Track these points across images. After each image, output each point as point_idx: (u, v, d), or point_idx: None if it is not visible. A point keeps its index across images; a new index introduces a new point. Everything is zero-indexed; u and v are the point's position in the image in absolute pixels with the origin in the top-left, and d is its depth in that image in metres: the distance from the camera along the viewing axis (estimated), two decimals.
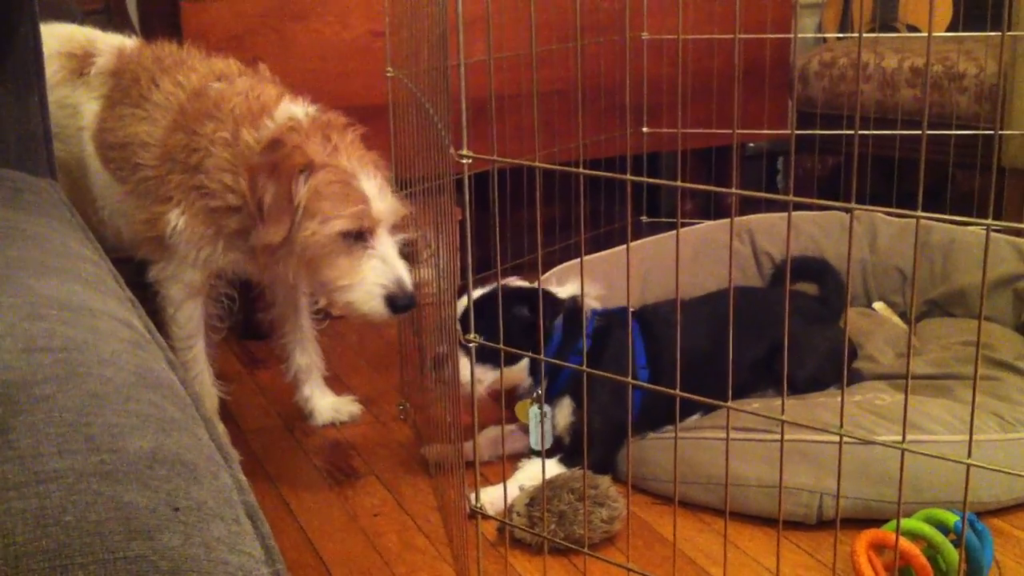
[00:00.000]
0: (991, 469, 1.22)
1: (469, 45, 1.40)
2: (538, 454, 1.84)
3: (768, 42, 2.99)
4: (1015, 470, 1.45)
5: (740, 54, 3.02)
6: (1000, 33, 2.73)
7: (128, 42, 2.11)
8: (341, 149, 1.80)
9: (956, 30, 3.37)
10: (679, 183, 1.23)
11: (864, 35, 3.47)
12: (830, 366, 2.07)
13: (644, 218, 3.04)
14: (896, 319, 2.51)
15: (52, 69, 2.02)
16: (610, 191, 2.84)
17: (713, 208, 3.24)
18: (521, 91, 2.63)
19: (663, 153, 3.36)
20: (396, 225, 1.86)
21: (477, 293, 1.89)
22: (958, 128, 2.86)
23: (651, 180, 1.29)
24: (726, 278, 1.43)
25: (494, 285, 1.90)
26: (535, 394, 1.94)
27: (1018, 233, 2.47)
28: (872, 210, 1.13)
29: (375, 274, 1.78)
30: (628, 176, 1.30)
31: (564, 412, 1.96)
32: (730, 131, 2.81)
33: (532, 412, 1.94)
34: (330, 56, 2.63)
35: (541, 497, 1.72)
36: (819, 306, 2.24)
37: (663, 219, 3.13)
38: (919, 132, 1.05)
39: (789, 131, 3.23)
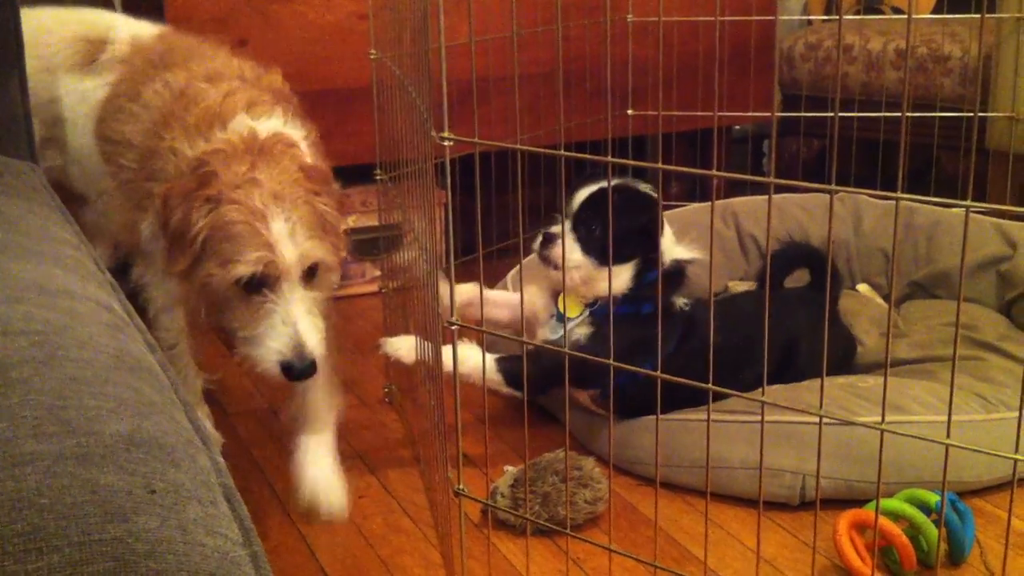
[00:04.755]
0: (969, 449, 1.23)
1: (453, 27, 1.40)
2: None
3: (753, 24, 2.99)
4: (996, 450, 1.45)
5: (724, 37, 3.02)
6: (988, 16, 2.74)
7: (149, 30, 2.01)
8: (263, 180, 1.58)
9: (941, 12, 3.38)
10: (660, 165, 1.23)
11: (849, 17, 3.47)
12: (841, 365, 2.10)
13: None
14: (880, 300, 2.52)
15: (67, 53, 1.98)
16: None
17: (699, 191, 3.24)
18: (507, 73, 2.62)
19: (649, 136, 3.36)
20: (321, 269, 1.64)
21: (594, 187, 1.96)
22: (943, 110, 2.87)
23: (633, 162, 1.29)
24: (710, 261, 1.43)
25: (614, 181, 1.97)
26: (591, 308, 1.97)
27: (1001, 215, 2.48)
28: (854, 192, 1.14)
29: (272, 335, 1.58)
30: (610, 159, 1.30)
31: (583, 331, 1.96)
32: (713, 114, 2.80)
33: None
34: (314, 38, 2.62)
35: (524, 479, 1.72)
36: (830, 304, 2.24)
37: None
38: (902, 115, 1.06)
39: (771, 114, 3.24)
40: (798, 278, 2.28)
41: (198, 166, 1.60)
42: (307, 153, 1.72)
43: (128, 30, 2.00)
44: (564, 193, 1.54)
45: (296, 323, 1.58)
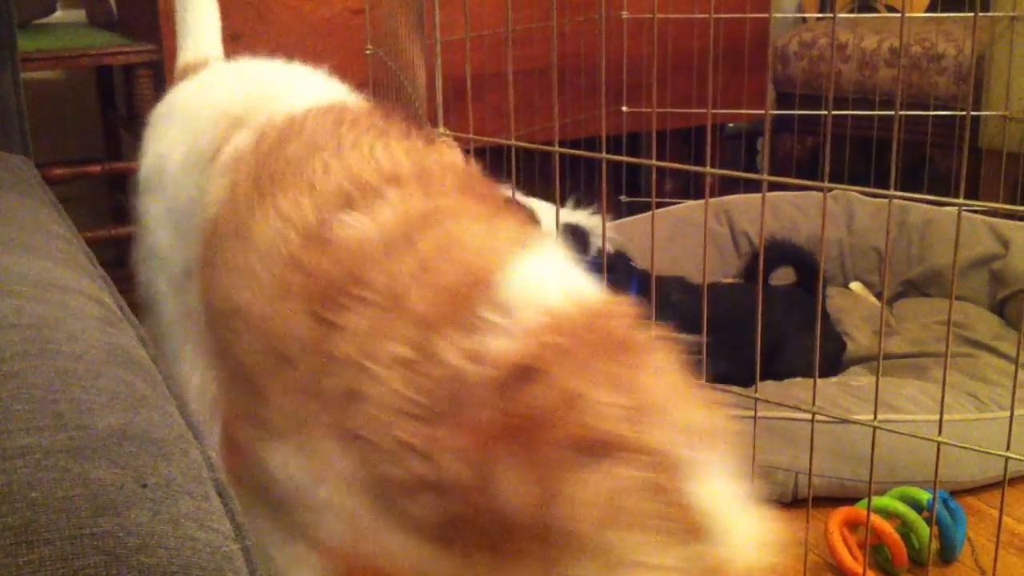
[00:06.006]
0: (961, 447, 1.23)
1: (449, 23, 1.40)
2: None
3: (748, 22, 2.99)
4: (988, 449, 1.46)
5: (719, 34, 3.02)
6: (982, 14, 2.74)
7: (305, 105, 1.20)
8: (657, 402, 0.79)
9: (936, 11, 3.38)
10: (654, 162, 1.23)
11: (843, 15, 3.47)
12: (829, 364, 2.11)
13: (623, 197, 3.04)
14: (872, 299, 2.53)
15: (203, 141, 1.27)
16: (590, 171, 2.83)
17: (692, 188, 3.24)
18: (502, 69, 2.62)
19: (643, 133, 3.36)
20: None
21: None
22: (936, 108, 2.87)
23: (626, 159, 1.29)
24: (703, 258, 1.43)
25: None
26: None
27: (993, 213, 2.48)
28: (846, 189, 1.14)
29: None
30: (603, 155, 1.30)
31: None
32: (707, 111, 2.81)
33: None
34: (308, 33, 2.62)
35: None
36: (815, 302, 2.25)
37: (642, 199, 3.14)
38: (895, 113, 1.06)
39: (765, 112, 3.24)
40: (784, 276, 2.28)
41: (522, 379, 0.80)
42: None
43: (283, 106, 1.22)
44: (559, 189, 1.54)
45: None
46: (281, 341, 0.96)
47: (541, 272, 0.91)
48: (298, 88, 1.32)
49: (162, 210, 1.34)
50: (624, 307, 0.88)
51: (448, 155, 1.08)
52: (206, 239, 1.16)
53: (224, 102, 1.30)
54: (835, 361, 2.17)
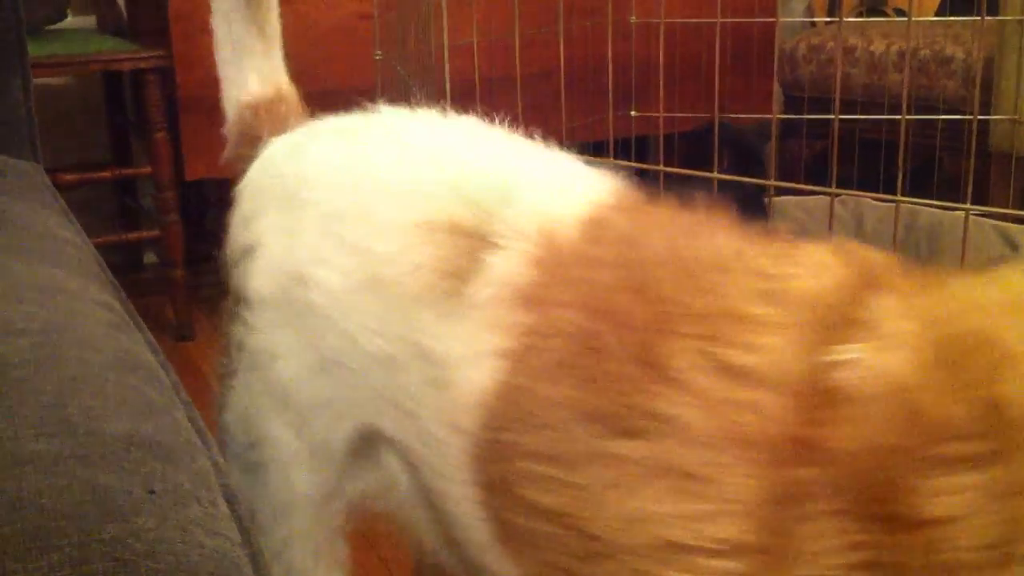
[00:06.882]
0: None
1: (457, 27, 1.40)
2: None
3: (756, 25, 2.99)
4: None
5: (726, 38, 3.02)
6: (991, 18, 2.74)
7: (579, 201, 0.92)
8: None
9: (944, 14, 3.38)
10: (662, 167, 1.23)
11: (850, 19, 3.47)
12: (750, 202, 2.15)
13: None
14: None
15: (423, 262, 0.89)
16: None
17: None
18: (510, 74, 2.62)
19: (651, 136, 3.36)
20: None
21: None
22: (946, 112, 2.87)
23: (633, 164, 1.29)
24: None
25: None
26: None
27: (1003, 217, 2.48)
28: (854, 194, 1.14)
29: None
30: (612, 160, 1.30)
31: None
32: (713, 115, 2.80)
33: None
34: (316, 39, 2.62)
35: None
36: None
37: None
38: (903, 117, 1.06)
39: (772, 115, 3.24)
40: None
41: None
42: None
43: (525, 199, 0.92)
44: None
45: None
46: None
47: None
48: (520, 174, 0.98)
49: (299, 345, 0.98)
50: None
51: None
52: (480, 430, 0.80)
53: (428, 205, 0.92)
54: (758, 199, 2.18)
